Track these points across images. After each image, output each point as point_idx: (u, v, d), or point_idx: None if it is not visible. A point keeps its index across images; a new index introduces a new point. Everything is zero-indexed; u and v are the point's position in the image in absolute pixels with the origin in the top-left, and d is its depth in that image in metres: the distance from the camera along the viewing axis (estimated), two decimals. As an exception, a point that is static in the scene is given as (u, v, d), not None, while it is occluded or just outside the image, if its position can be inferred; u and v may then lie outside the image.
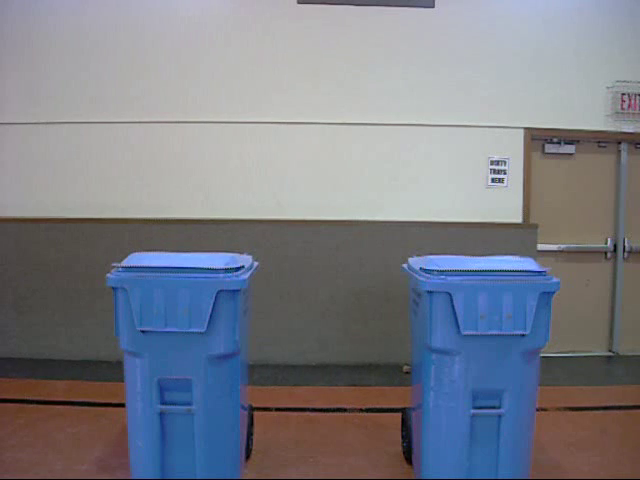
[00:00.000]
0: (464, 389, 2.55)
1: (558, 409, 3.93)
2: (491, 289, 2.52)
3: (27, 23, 4.95)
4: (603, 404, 4.10)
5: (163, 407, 2.56)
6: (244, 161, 4.96)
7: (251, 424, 3.20)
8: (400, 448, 3.24)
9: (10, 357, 4.89)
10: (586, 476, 3.01)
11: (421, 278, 2.62)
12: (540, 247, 5.11)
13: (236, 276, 2.64)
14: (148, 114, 4.88)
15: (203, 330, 2.48)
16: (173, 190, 4.94)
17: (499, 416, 2.57)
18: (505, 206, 5.08)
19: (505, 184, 5.09)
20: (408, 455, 3.10)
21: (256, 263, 3.10)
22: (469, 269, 2.62)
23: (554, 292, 2.58)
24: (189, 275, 2.62)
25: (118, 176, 4.89)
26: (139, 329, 2.49)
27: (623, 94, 5.07)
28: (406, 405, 3.22)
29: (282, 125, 5.00)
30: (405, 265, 3.05)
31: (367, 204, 5.02)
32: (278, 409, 3.90)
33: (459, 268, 2.62)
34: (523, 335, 2.52)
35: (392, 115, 5.00)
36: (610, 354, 5.38)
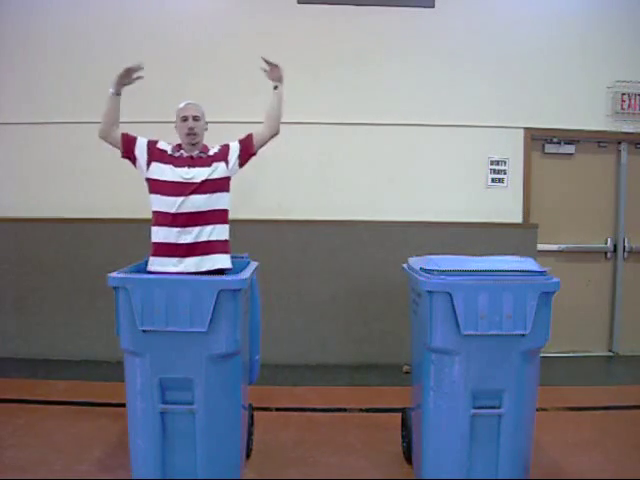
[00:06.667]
0: (464, 389, 2.55)
1: (558, 409, 3.93)
2: (491, 289, 2.52)
3: (24, 22, 4.94)
4: (603, 404, 4.10)
5: (164, 406, 2.55)
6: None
7: (251, 424, 3.21)
8: (400, 448, 3.24)
9: (10, 357, 4.89)
10: (586, 476, 3.01)
11: (421, 278, 2.62)
12: (540, 247, 5.11)
13: (237, 276, 2.65)
14: (146, 114, 4.87)
15: (204, 330, 2.48)
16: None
17: (499, 416, 2.58)
18: (505, 206, 5.08)
19: (505, 184, 5.09)
20: (408, 455, 3.10)
21: (256, 263, 3.12)
22: (469, 269, 2.62)
23: (554, 292, 2.58)
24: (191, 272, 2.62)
25: (118, 176, 4.88)
26: (140, 329, 2.49)
27: (623, 94, 5.06)
28: (406, 405, 3.22)
29: (281, 125, 4.97)
30: (405, 265, 3.05)
31: (367, 204, 5.02)
32: (278, 409, 3.90)
33: (459, 268, 2.62)
34: (523, 335, 2.52)
35: (392, 115, 4.99)
36: (610, 354, 5.38)
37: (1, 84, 4.98)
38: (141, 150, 3.05)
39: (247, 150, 3.17)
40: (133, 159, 3.07)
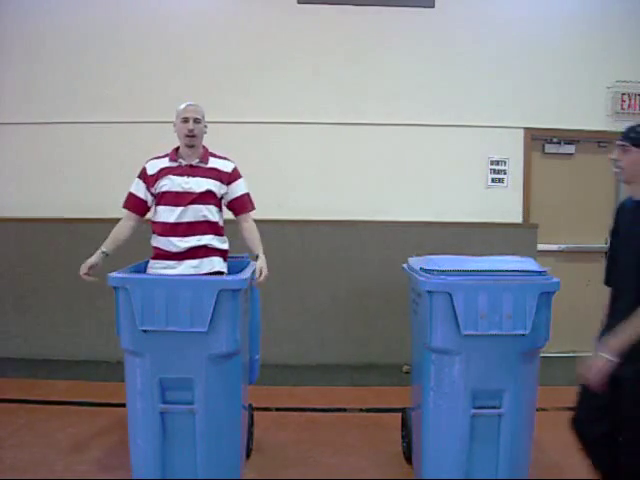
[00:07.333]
0: (464, 389, 2.55)
1: (558, 409, 3.92)
2: (491, 289, 2.52)
3: (24, 22, 4.94)
4: (603, 404, 4.09)
5: (164, 406, 2.56)
6: (244, 161, 4.94)
7: (251, 424, 3.21)
8: (400, 448, 3.24)
9: (10, 357, 4.89)
10: (586, 476, 3.01)
11: (421, 278, 2.62)
12: (540, 247, 5.10)
13: (237, 276, 2.65)
14: (144, 114, 4.88)
15: (205, 329, 2.48)
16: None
17: (499, 416, 2.58)
18: (505, 206, 5.08)
19: (505, 184, 5.09)
20: (408, 455, 3.11)
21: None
22: (469, 269, 2.62)
23: (554, 292, 2.58)
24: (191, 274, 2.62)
25: (118, 176, 4.88)
26: (140, 328, 2.49)
27: (623, 94, 5.06)
28: (406, 405, 3.22)
29: (281, 125, 5.00)
30: (405, 265, 3.05)
31: (367, 204, 5.02)
32: (278, 409, 3.91)
33: (459, 268, 2.62)
34: (523, 335, 2.52)
35: (392, 115, 4.99)
36: (610, 354, 5.36)
37: (1, 84, 4.98)
38: (141, 191, 3.06)
39: (236, 209, 3.11)
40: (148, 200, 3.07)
